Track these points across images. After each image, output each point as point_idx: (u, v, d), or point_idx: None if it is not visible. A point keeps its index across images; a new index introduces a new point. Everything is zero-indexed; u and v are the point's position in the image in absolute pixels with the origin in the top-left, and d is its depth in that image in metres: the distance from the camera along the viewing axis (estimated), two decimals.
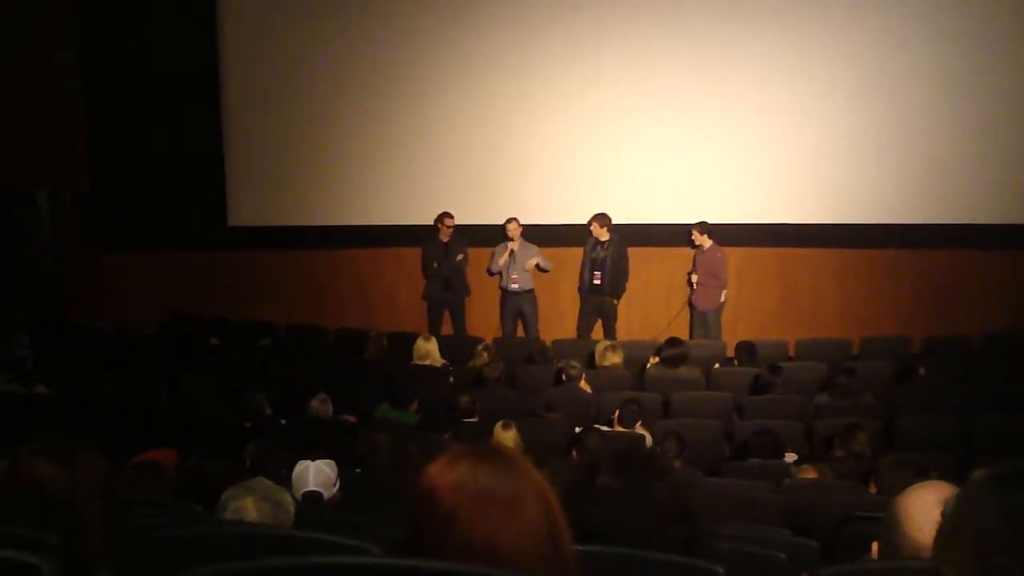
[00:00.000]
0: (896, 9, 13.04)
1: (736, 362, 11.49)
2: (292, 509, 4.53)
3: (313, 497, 6.00)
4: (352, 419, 9.50)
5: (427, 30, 13.66)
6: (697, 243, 13.14)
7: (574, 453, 8.03)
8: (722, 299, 13.11)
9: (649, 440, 8.78)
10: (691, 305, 13.30)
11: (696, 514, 2.43)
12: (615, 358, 11.00)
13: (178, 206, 13.92)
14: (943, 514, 1.85)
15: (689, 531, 2.39)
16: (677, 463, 7.77)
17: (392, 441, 7.35)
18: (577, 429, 8.72)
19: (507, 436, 7.93)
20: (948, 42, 13.00)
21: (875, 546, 2.69)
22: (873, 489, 7.07)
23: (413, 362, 11.17)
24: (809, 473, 7.72)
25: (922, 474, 5.99)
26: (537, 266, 13.39)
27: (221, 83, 14.05)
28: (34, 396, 9.66)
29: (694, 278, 13.15)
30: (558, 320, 13.60)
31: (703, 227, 13.06)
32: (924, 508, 2.59)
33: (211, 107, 14.01)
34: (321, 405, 9.43)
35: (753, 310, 13.47)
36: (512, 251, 13.27)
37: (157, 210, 13.92)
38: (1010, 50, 12.93)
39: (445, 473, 1.94)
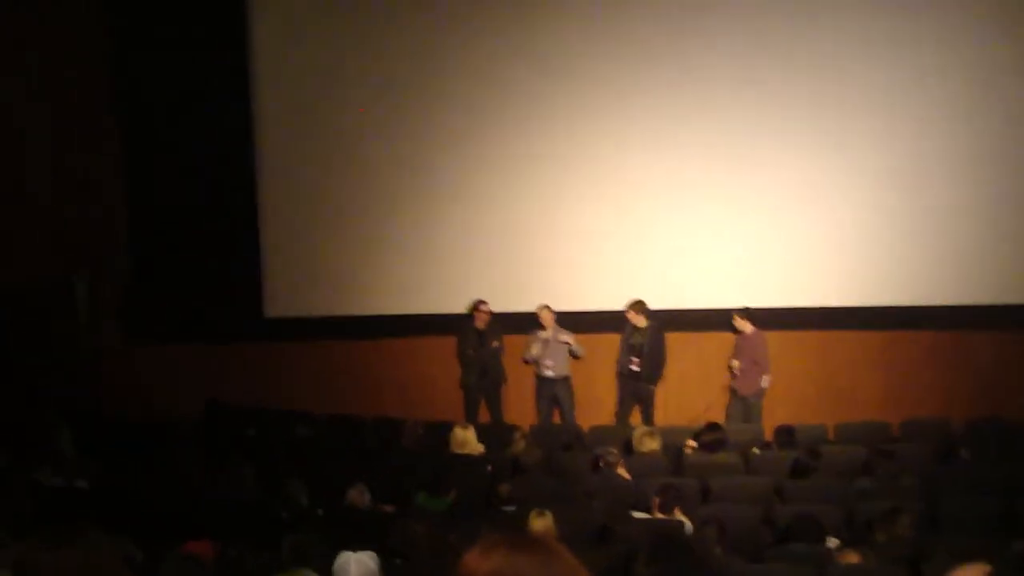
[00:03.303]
0: (932, 90, 13.08)
1: (775, 446, 11.41)
2: None
3: None
4: (390, 509, 9.47)
5: (460, 123, 13.79)
6: (739, 328, 13.13)
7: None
8: (764, 384, 13.05)
9: (689, 526, 8.71)
10: (732, 390, 13.25)
11: None
12: (653, 444, 10.94)
13: (215, 297, 14.01)
14: None
15: None
16: (717, 549, 7.71)
17: (427, 530, 7.33)
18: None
19: (541, 523, 7.88)
20: (983, 120, 13.03)
21: None
22: None
23: (451, 450, 11.15)
24: (852, 558, 7.64)
25: (968, 557, 5.92)
26: (569, 350, 13.39)
27: (258, 174, 14.20)
28: (75, 490, 9.70)
29: (735, 364, 13.11)
30: (595, 406, 13.56)
31: (744, 312, 13.06)
32: None
33: (247, 198, 14.16)
34: (359, 495, 9.40)
35: (791, 393, 13.39)
36: (545, 339, 13.28)
37: (194, 301, 14.02)
38: None
39: (482, 562, 1.95)
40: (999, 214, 13.10)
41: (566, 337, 13.36)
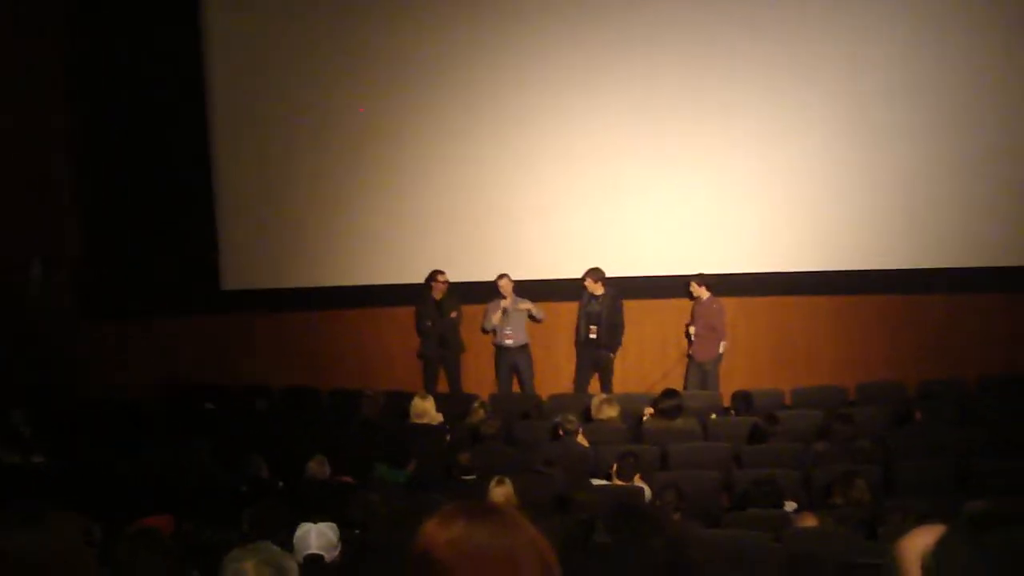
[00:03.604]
0: (882, 58, 13.14)
1: (733, 412, 11.49)
2: (296, 575, 4.50)
3: (315, 560, 5.99)
4: (350, 480, 9.47)
5: (416, 87, 13.71)
6: (695, 295, 13.17)
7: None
8: (720, 350, 13.11)
9: (648, 493, 8.77)
10: (689, 357, 13.31)
11: (693, 567, 2.44)
12: (611, 411, 10.99)
13: (171, 272, 13.90)
14: (927, 557, 1.88)
15: None
16: (676, 515, 7.76)
17: (385, 501, 7.34)
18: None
19: (501, 492, 7.91)
20: (936, 88, 13.11)
21: None
22: None
23: (410, 421, 11.15)
24: (809, 521, 7.71)
25: (924, 519, 5.98)
26: (530, 315, 13.41)
27: (212, 148, 14.09)
28: (31, 466, 9.64)
29: (692, 330, 13.17)
30: (553, 375, 13.60)
31: (701, 279, 13.09)
32: (920, 552, 2.59)
33: (202, 171, 14.03)
34: (318, 467, 9.40)
35: (748, 359, 13.46)
36: (505, 308, 13.29)
37: (150, 276, 13.91)
38: (998, 94, 13.04)
39: (441, 532, 1.94)
40: (948, 178, 13.19)
41: (525, 304, 13.37)
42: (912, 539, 2.67)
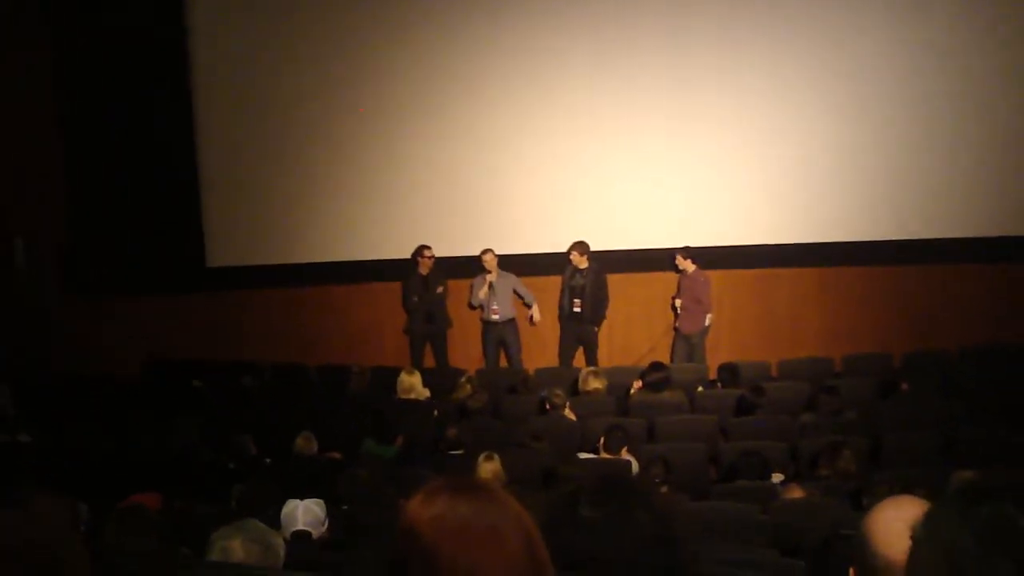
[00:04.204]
0: (865, 28, 13.14)
1: (719, 384, 11.52)
2: (282, 552, 4.52)
3: (302, 536, 6.00)
4: (338, 456, 9.48)
5: (401, 64, 13.67)
6: (681, 268, 13.19)
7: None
8: (706, 323, 13.15)
9: (635, 466, 8.79)
10: (675, 329, 13.33)
11: (680, 540, 2.44)
12: (598, 384, 11.01)
13: (156, 249, 13.87)
14: (914, 530, 1.89)
15: (672, 558, 2.40)
16: (663, 488, 7.79)
17: (370, 478, 7.35)
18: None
19: (489, 468, 7.93)
20: (918, 59, 13.13)
21: (852, 571, 2.70)
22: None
23: (397, 396, 11.17)
24: (796, 492, 7.74)
25: (909, 490, 6.01)
26: (524, 303, 13.45)
27: (196, 124, 14.03)
28: (17, 444, 9.62)
29: (678, 302, 13.20)
30: (540, 349, 13.62)
31: (687, 252, 13.11)
32: (890, 524, 2.60)
33: (186, 147, 13.98)
34: (306, 443, 9.40)
35: (734, 332, 13.50)
36: (491, 283, 13.29)
37: (135, 254, 13.87)
38: (978, 66, 13.06)
39: (425, 508, 1.95)
40: (932, 150, 13.22)
41: (512, 283, 13.37)
42: (884, 511, 2.68)
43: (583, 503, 2.42)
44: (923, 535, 1.82)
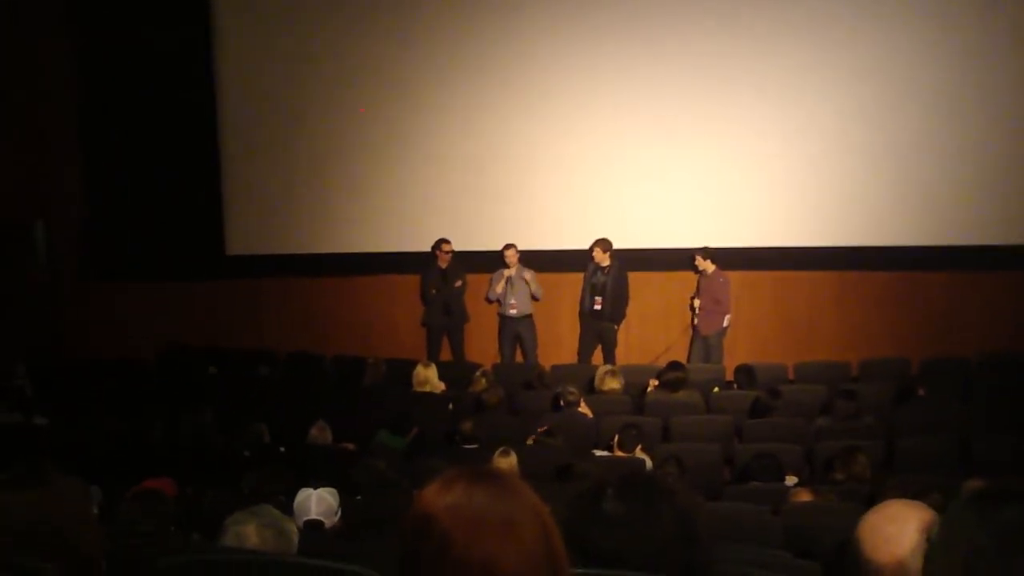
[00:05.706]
0: (892, 31, 13.08)
1: (735, 386, 11.48)
2: (296, 539, 4.51)
3: (315, 525, 5.99)
4: (351, 447, 9.48)
5: (421, 61, 13.67)
6: (700, 268, 13.15)
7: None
8: (725, 324, 13.11)
9: (649, 464, 8.77)
10: (693, 329, 13.30)
11: (700, 538, 2.43)
12: (614, 383, 10.98)
13: (175, 236, 13.90)
14: (929, 534, 1.88)
15: (692, 556, 2.39)
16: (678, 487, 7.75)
17: (386, 468, 7.34)
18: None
19: (505, 463, 7.92)
20: (941, 65, 13.06)
21: None
22: None
23: (413, 389, 11.17)
24: (804, 496, 7.68)
25: (920, 495, 5.98)
26: (531, 294, 13.43)
27: (218, 112, 14.06)
28: (33, 427, 9.65)
29: (696, 303, 13.16)
30: (556, 345, 13.60)
31: (706, 252, 13.08)
32: (877, 529, 2.60)
33: (208, 136, 14.01)
34: (320, 433, 9.41)
35: (752, 333, 13.47)
36: (509, 278, 13.28)
37: (154, 240, 13.91)
38: (1003, 72, 12.98)
39: (440, 496, 1.93)
40: (953, 156, 13.15)
41: (528, 277, 13.35)
42: (870, 516, 2.68)
43: (607, 498, 2.40)
44: (941, 537, 1.81)
